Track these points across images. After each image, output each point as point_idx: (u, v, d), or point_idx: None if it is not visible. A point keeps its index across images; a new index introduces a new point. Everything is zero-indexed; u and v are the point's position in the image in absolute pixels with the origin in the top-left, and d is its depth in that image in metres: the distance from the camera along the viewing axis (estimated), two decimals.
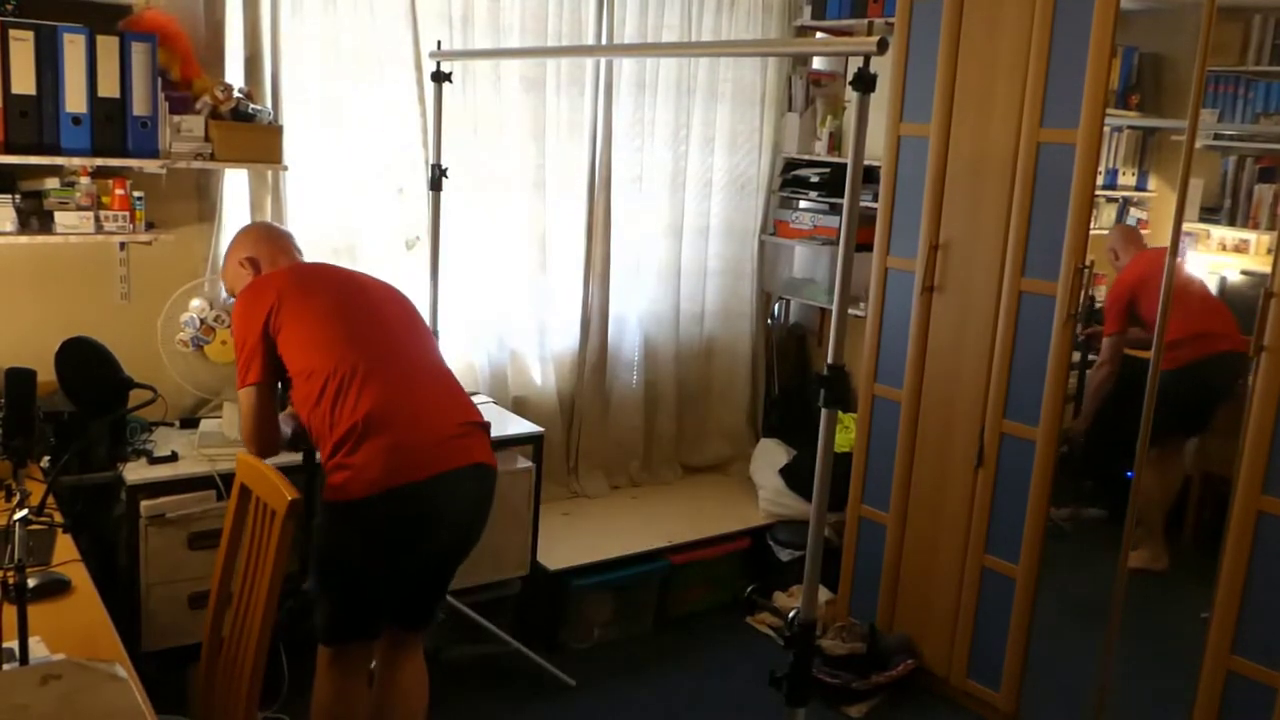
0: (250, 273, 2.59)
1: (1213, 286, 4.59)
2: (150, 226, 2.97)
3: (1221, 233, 4.71)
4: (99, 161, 2.77)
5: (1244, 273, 4.61)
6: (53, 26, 2.65)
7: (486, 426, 2.52)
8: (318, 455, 2.40)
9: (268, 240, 2.66)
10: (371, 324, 2.48)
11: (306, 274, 2.57)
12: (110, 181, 2.84)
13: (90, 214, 2.81)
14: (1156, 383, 2.86)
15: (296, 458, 2.73)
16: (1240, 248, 4.67)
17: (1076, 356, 4.28)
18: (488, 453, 2.48)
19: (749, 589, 3.87)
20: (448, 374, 2.57)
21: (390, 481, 2.28)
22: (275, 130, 3.09)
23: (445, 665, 3.29)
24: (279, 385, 2.49)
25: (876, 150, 3.35)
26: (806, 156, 4.35)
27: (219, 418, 3.11)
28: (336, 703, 2.41)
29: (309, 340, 2.39)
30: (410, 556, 2.39)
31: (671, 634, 3.73)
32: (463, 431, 2.43)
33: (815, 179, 4.25)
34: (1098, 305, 4.42)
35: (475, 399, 2.77)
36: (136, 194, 2.88)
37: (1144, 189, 5.02)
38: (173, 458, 2.89)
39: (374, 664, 2.55)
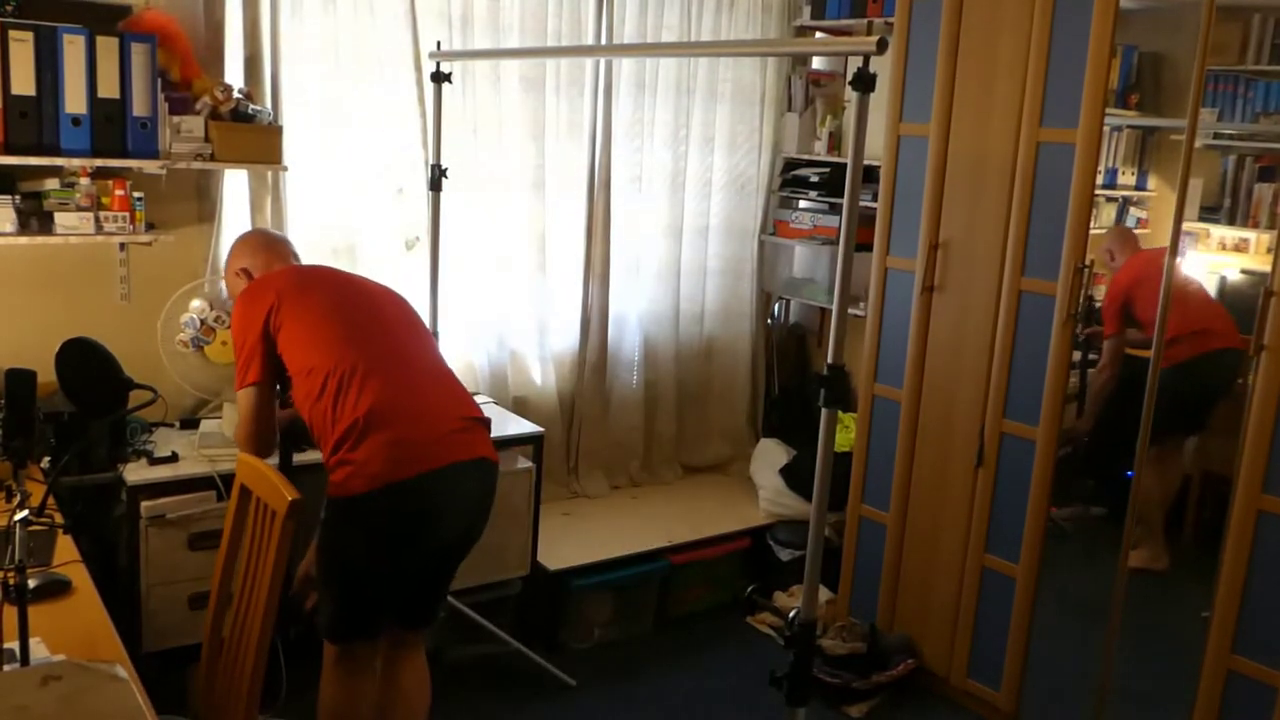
0: (246, 283, 2.62)
1: (1212, 286, 4.59)
2: (150, 227, 2.96)
3: (1221, 232, 4.71)
4: (99, 162, 2.77)
5: (1244, 272, 4.60)
6: (52, 27, 2.65)
7: (487, 422, 2.53)
8: (319, 455, 2.40)
9: (264, 249, 2.67)
10: (371, 323, 2.49)
11: (306, 274, 2.61)
12: (110, 182, 2.84)
13: (90, 215, 2.81)
14: (1156, 382, 2.86)
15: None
16: (1240, 247, 4.67)
17: (1077, 356, 4.28)
18: (489, 448, 2.49)
19: (749, 589, 3.87)
20: (448, 372, 2.58)
21: (392, 476, 2.28)
22: (275, 131, 3.09)
23: (446, 665, 3.29)
24: (278, 387, 2.50)
25: (876, 150, 3.34)
26: (806, 156, 4.35)
27: (219, 418, 3.11)
28: (342, 701, 2.42)
29: (310, 338, 2.40)
30: (412, 551, 2.39)
31: (671, 634, 3.73)
32: (464, 426, 2.44)
33: (815, 179, 4.25)
34: (1097, 305, 4.42)
35: (475, 399, 2.78)
36: (136, 195, 2.88)
37: (1143, 188, 5.01)
38: (173, 458, 2.89)
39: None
